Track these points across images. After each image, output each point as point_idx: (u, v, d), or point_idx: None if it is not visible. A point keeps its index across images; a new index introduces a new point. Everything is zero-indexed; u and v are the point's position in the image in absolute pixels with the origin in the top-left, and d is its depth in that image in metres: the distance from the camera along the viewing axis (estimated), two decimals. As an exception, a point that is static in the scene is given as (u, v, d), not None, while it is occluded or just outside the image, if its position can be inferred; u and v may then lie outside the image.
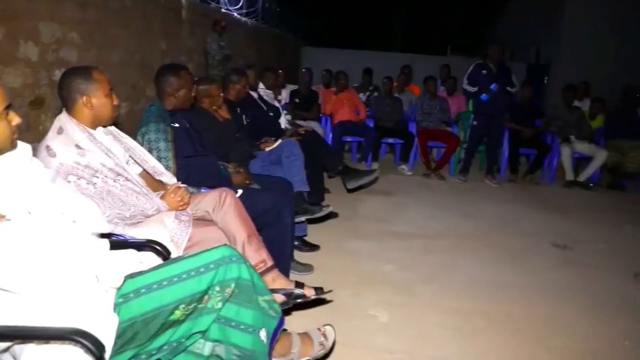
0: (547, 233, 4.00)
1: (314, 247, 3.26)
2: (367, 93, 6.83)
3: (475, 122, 5.55)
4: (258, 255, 1.95)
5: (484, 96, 5.36)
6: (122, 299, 1.34)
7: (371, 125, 6.05)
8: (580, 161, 6.00)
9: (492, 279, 3.08)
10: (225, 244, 1.53)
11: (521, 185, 5.68)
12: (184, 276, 1.36)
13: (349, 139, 6.11)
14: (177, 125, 2.45)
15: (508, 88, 5.40)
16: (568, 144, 5.66)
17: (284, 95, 6.22)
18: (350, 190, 4.06)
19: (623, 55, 14.06)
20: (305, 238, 3.29)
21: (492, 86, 5.28)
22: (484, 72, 5.39)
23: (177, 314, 1.35)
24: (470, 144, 5.65)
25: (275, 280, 1.94)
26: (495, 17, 21.33)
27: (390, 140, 6.21)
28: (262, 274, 1.90)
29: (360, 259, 3.24)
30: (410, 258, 3.30)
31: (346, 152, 6.67)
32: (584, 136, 5.78)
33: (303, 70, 6.38)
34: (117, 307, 1.32)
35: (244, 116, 3.58)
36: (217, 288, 1.39)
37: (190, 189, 2.22)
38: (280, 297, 1.90)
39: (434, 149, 6.44)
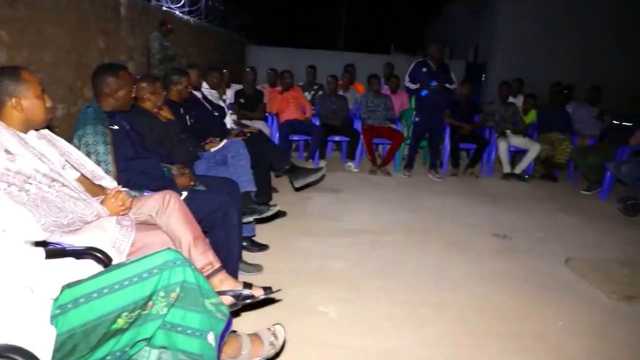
0: (488, 224, 4.17)
1: (262, 247, 3.25)
2: (313, 92, 6.86)
3: (417, 119, 5.70)
4: (205, 257, 1.92)
5: (424, 92, 5.52)
6: (60, 310, 1.29)
7: (317, 123, 6.08)
8: (516, 154, 6.31)
9: (438, 270, 3.19)
10: (169, 248, 1.49)
11: (462, 179, 5.89)
12: (126, 283, 1.32)
13: (295, 137, 6.12)
14: (116, 127, 2.37)
15: (447, 85, 5.58)
16: (504, 138, 5.94)
17: (229, 94, 6.14)
18: (297, 189, 4.07)
19: (553, 53, 14.88)
20: (254, 238, 3.27)
21: (432, 83, 5.45)
22: (424, 70, 5.55)
23: (120, 322, 1.31)
24: (414, 140, 5.80)
25: (223, 282, 1.92)
26: (434, 17, 22.00)
27: (337, 138, 6.27)
28: (209, 276, 1.88)
29: (309, 256, 3.26)
30: (358, 254, 3.36)
31: (293, 151, 6.67)
32: (519, 130, 6.08)
33: (247, 69, 6.31)
34: (54, 319, 1.26)
35: (187, 117, 3.50)
36: (162, 293, 1.36)
37: (133, 193, 2.15)
38: (228, 299, 1.88)
39: (379, 145, 6.57)
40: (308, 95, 6.69)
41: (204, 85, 4.65)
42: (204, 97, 4.31)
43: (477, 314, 2.64)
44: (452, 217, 4.33)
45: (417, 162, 6.04)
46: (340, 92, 6.61)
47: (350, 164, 5.98)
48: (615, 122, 5.71)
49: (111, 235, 1.77)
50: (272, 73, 6.81)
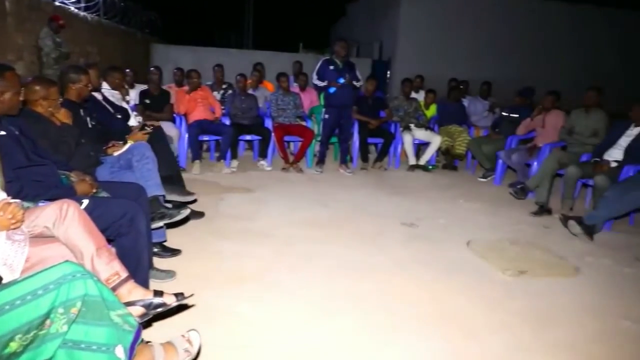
0: (396, 213, 4.38)
1: (175, 252, 3.16)
2: (222, 91, 6.75)
3: (326, 116, 5.83)
4: (110, 268, 1.84)
5: (331, 90, 5.66)
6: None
7: (228, 123, 6.00)
8: (420, 146, 6.67)
9: (351, 262, 3.29)
10: (67, 261, 1.41)
11: (372, 172, 6.12)
12: (18, 302, 1.23)
13: (205, 138, 5.99)
14: (3, 133, 2.19)
15: (354, 82, 5.76)
16: (409, 132, 6.26)
17: (133, 95, 5.87)
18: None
19: (451, 51, 15.85)
20: (165, 243, 3.17)
21: (339, 80, 5.60)
22: (331, 67, 5.68)
23: (13, 346, 1.22)
24: (324, 137, 5.92)
25: (132, 291, 1.85)
26: (339, 16, 22.48)
27: (248, 137, 6.23)
28: (116, 287, 1.80)
29: (224, 258, 3.22)
30: (274, 252, 3.37)
31: (204, 152, 6.54)
32: (422, 124, 6.44)
33: (152, 68, 6.06)
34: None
35: (88, 119, 3.30)
36: (61, 310, 1.28)
37: (26, 204, 2.00)
38: (138, 310, 1.82)
39: (290, 143, 6.63)
40: (217, 95, 6.58)
41: (104, 85, 4.41)
42: (105, 98, 4.09)
43: (390, 300, 2.77)
44: (363, 210, 4.49)
45: (328, 158, 6.18)
46: (250, 91, 6.57)
47: (262, 162, 5.98)
48: (504, 114, 6.23)
49: (2, 252, 1.64)
50: (179, 72, 6.61)
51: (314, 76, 5.84)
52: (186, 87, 6.02)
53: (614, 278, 3.31)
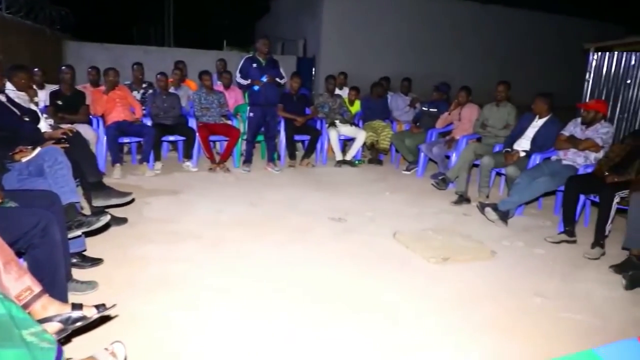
0: (325, 209, 4.44)
1: (96, 261, 3.01)
2: (142, 90, 6.48)
3: (251, 114, 5.78)
4: (20, 283, 1.71)
5: (256, 88, 5.62)
6: None
7: (149, 123, 5.78)
8: (346, 142, 6.80)
9: (282, 260, 3.30)
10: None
11: (300, 169, 6.16)
12: None
13: (126, 140, 5.74)
14: None
15: (277, 80, 5.75)
16: (334, 128, 6.36)
17: (43, 96, 5.48)
18: (94, 207, 3.49)
19: (374, 48, 16.25)
20: (85, 253, 3.01)
21: (262, 78, 5.57)
22: (254, 65, 5.64)
23: None
24: (250, 135, 5.87)
25: (47, 307, 1.74)
26: (263, 13, 22.34)
27: (172, 138, 6.04)
28: (29, 303, 1.69)
29: (150, 263, 3.11)
30: (202, 254, 3.31)
31: (125, 155, 6.26)
32: (347, 120, 6.57)
33: (63, 67, 5.67)
34: None
35: (-8, 122, 3.05)
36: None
37: None
38: (55, 326, 1.71)
39: (216, 142, 6.51)
40: (137, 95, 6.31)
41: (9, 86, 4.09)
42: (10, 100, 3.79)
43: (322, 293, 2.81)
44: (292, 207, 4.51)
45: (255, 157, 6.13)
46: (172, 90, 6.37)
47: (188, 163, 5.83)
48: (424, 108, 6.50)
49: None
50: (93, 71, 6.25)
51: (237, 74, 5.77)
52: (103, 87, 5.72)
53: (526, 259, 3.57)
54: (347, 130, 6.51)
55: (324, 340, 2.34)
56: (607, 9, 19.39)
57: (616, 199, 3.59)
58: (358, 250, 3.53)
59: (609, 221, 3.62)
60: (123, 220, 3.77)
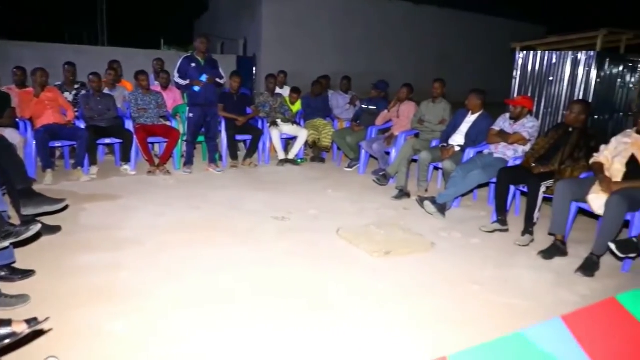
0: (268, 209, 4.45)
1: (26, 274, 2.86)
2: (74, 92, 6.20)
3: (191, 115, 5.68)
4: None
5: (196, 88, 5.53)
6: None
7: (82, 126, 5.54)
8: (289, 141, 6.82)
9: (227, 262, 3.27)
10: None
11: (242, 169, 6.11)
12: None
13: (58, 144, 5.47)
14: None
15: (217, 79, 5.68)
16: (276, 127, 6.36)
17: (-38, 100, 5.13)
18: (24, 216, 3.26)
19: (314, 47, 16.35)
20: (15, 265, 2.85)
21: (201, 77, 5.49)
22: (193, 65, 5.55)
23: None
24: (190, 136, 5.76)
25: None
26: (202, 11, 21.91)
27: (108, 141, 5.82)
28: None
29: (90, 272, 3.00)
30: (145, 261, 3.22)
31: (58, 159, 5.97)
32: (288, 119, 6.59)
33: (-16, 68, 5.34)
34: None
35: None
36: None
37: None
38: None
39: (155, 144, 6.35)
40: (69, 96, 6.03)
41: None
42: None
43: (268, 293, 2.82)
44: (236, 208, 4.48)
45: (196, 158, 6.03)
46: (106, 91, 6.14)
47: (125, 167, 5.64)
48: (363, 106, 6.64)
49: None
50: (19, 72, 5.87)
51: (176, 74, 5.65)
52: (30, 89, 5.42)
53: (463, 249, 3.75)
54: (288, 129, 6.54)
55: (273, 339, 2.36)
56: (531, 11, 20.63)
57: (542, 189, 3.84)
58: (303, 249, 3.56)
59: (537, 209, 3.87)
60: (56, 229, 3.61)
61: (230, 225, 3.99)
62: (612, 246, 3.14)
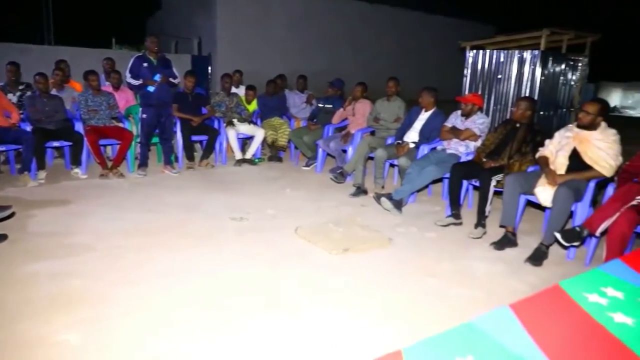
0: (226, 209, 4.41)
1: (-28, 284, 2.73)
2: (19, 93, 5.93)
3: (144, 115, 5.55)
4: None
5: (149, 88, 5.42)
6: None
7: (28, 129, 5.31)
8: (246, 141, 6.78)
9: (186, 265, 3.23)
10: None
11: (199, 170, 6.03)
12: None
13: (2, 148, 5.22)
14: None
15: (170, 79, 5.58)
16: (232, 127, 6.31)
17: None
18: None
19: (270, 46, 16.29)
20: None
21: (155, 77, 5.38)
22: (145, 64, 5.43)
23: None
24: (144, 137, 5.64)
25: None
26: (155, 10, 21.40)
27: (56, 144, 5.60)
28: None
29: (41, 281, 2.89)
30: (100, 267, 3.13)
31: (2, 164, 5.71)
32: (244, 119, 6.54)
33: None
34: None
35: None
36: None
37: None
38: None
39: (107, 147, 6.16)
40: (13, 97, 5.76)
41: None
42: None
43: (227, 294, 2.80)
44: (193, 210, 4.42)
45: (151, 160, 5.90)
46: (53, 92, 5.91)
47: (76, 170, 5.45)
48: (320, 105, 6.68)
49: None
50: (-43, 73, 5.61)
51: (127, 74, 5.52)
52: (-31, 91, 5.15)
53: (419, 243, 3.84)
54: (245, 128, 6.49)
55: (232, 339, 2.35)
56: (481, 11, 21.34)
57: (493, 183, 3.99)
58: (261, 249, 3.56)
59: (488, 203, 4.01)
60: (2, 237, 3.46)
61: (188, 228, 3.94)
62: (558, 236, 3.31)
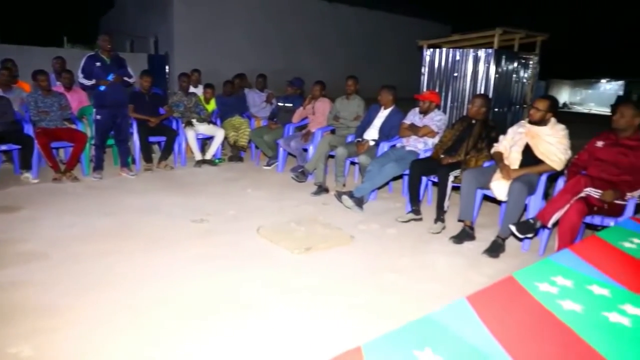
0: (187, 211, 4.33)
1: None
2: (-40, 94, 5.64)
3: (98, 117, 5.38)
4: None
5: (102, 87, 5.26)
6: None
7: (-27, 132, 5.06)
8: (205, 141, 6.68)
9: (146, 269, 3.15)
10: None
11: (158, 172, 5.89)
12: None
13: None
14: None
15: (125, 78, 5.44)
16: (191, 127, 6.20)
17: None
18: None
19: (229, 45, 16.10)
20: None
21: (109, 77, 5.23)
22: (98, 64, 5.27)
23: None
24: (99, 139, 5.46)
25: None
26: (108, 7, 20.79)
27: (4, 147, 5.35)
28: None
29: (-11, 292, 2.76)
30: (55, 275, 3.00)
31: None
32: (204, 119, 6.44)
33: None
34: None
35: None
36: None
37: None
38: None
39: (60, 149, 5.94)
40: (-46, 100, 5.47)
41: None
42: None
43: (190, 297, 2.76)
44: (152, 213, 4.32)
45: (107, 162, 5.72)
46: (0, 93, 5.64)
47: (26, 174, 5.22)
48: (280, 104, 6.65)
49: None
50: None
51: (80, 74, 5.33)
52: None
53: (381, 239, 3.89)
54: (204, 128, 6.39)
55: (196, 343, 2.31)
56: (438, 11, 21.83)
57: (451, 178, 4.08)
58: (223, 250, 3.52)
59: (447, 198, 4.10)
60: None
61: (147, 231, 3.84)
62: (513, 228, 3.43)
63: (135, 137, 5.86)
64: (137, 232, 3.82)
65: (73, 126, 5.63)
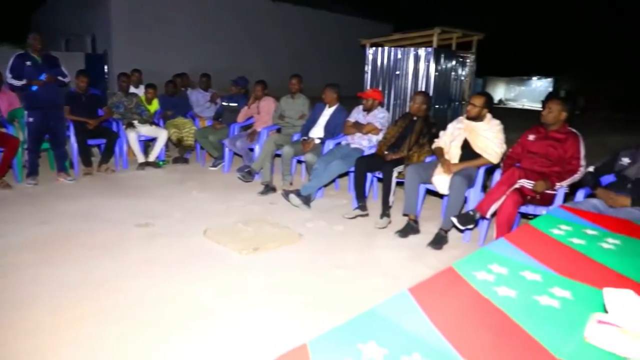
0: (131, 216, 4.20)
1: None
2: None
3: (31, 119, 5.10)
4: None
5: (34, 88, 5.00)
6: None
7: None
8: (148, 143, 6.48)
9: (89, 277, 3.02)
10: None
11: (98, 176, 5.66)
12: None
13: None
14: None
15: (60, 78, 5.19)
16: (133, 129, 6.00)
17: None
18: None
19: (169, 44, 15.70)
20: None
21: (41, 77, 4.98)
22: (29, 63, 5.00)
23: None
24: (32, 143, 5.18)
25: None
26: (38, 4, 19.74)
27: None
28: None
29: None
30: (-18, 287, 2.85)
31: None
32: (146, 119, 6.25)
33: None
34: None
35: None
36: None
37: None
38: None
39: (-11, 155, 5.58)
40: None
41: None
42: None
43: (136, 304, 2.68)
44: (93, 218, 4.15)
45: (42, 167, 5.43)
46: None
47: (-48, 182, 4.89)
48: (224, 103, 6.57)
49: None
50: None
51: (8, 74, 5.02)
52: None
53: (328, 236, 3.93)
54: (147, 130, 6.20)
55: (144, 352, 2.25)
56: (380, 10, 22.26)
57: (395, 174, 4.18)
58: (169, 253, 3.44)
59: (391, 193, 4.20)
60: None
61: (88, 238, 3.69)
62: (454, 220, 3.56)
63: (73, 140, 5.59)
64: (78, 239, 3.66)
65: (3, 130, 5.30)
